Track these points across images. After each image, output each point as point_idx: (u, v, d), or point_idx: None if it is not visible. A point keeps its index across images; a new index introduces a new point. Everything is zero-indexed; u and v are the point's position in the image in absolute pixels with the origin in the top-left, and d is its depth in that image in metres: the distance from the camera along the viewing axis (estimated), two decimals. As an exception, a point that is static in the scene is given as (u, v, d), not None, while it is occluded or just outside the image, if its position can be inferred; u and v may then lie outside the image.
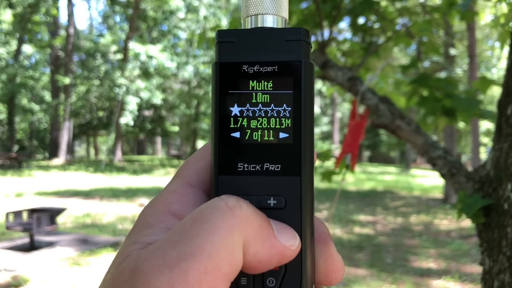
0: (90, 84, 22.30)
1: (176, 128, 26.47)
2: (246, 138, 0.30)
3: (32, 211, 5.18)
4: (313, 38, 2.39)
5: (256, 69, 0.30)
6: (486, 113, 1.66)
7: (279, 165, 0.29)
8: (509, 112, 1.24)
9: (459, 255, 5.48)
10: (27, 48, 24.79)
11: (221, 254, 0.24)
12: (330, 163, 3.11)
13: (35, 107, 25.30)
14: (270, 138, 0.30)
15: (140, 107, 21.32)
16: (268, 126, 0.30)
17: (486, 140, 22.69)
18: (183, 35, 23.13)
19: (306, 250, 0.29)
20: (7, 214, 4.99)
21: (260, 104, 0.30)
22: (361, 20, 2.56)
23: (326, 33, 2.25)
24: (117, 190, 11.24)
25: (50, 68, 24.87)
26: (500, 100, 1.29)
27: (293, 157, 0.29)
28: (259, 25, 0.31)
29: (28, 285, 3.97)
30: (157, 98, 20.36)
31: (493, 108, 1.60)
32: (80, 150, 40.03)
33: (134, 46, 19.16)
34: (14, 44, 23.05)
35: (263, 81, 0.30)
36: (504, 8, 2.27)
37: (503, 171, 1.24)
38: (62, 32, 23.94)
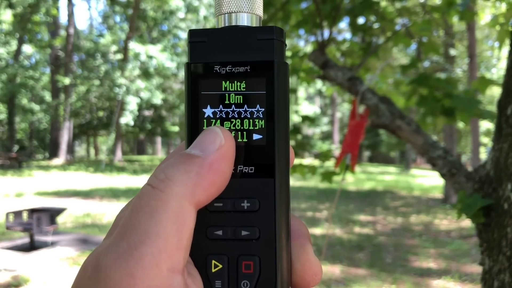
0: (90, 84, 22.29)
1: (176, 128, 26.46)
2: None
3: (32, 211, 5.18)
4: (313, 38, 2.39)
5: (228, 69, 0.30)
6: (486, 113, 1.66)
7: (253, 167, 0.29)
8: (509, 112, 1.24)
9: (459, 255, 5.47)
10: (27, 48, 24.79)
11: (168, 229, 0.25)
12: (330, 163, 3.11)
13: (35, 107, 25.30)
14: (243, 140, 0.29)
15: (140, 107, 21.32)
16: (242, 128, 0.30)
17: (486, 140, 22.68)
18: (183, 35, 23.13)
19: (281, 253, 0.28)
20: (7, 214, 4.99)
21: (233, 105, 0.30)
22: (360, 20, 2.56)
23: (326, 33, 2.25)
24: (117, 190, 11.24)
25: (50, 68, 24.87)
26: (500, 100, 1.29)
27: (267, 159, 0.29)
28: (233, 23, 0.31)
29: (28, 285, 3.97)
30: (157, 98, 20.36)
31: (493, 108, 1.60)
32: (80, 150, 40.03)
33: (134, 46, 19.15)
34: (14, 44, 23.04)
35: (235, 81, 0.30)
36: (503, 7, 2.27)
37: (503, 171, 1.24)
38: (62, 32, 23.94)
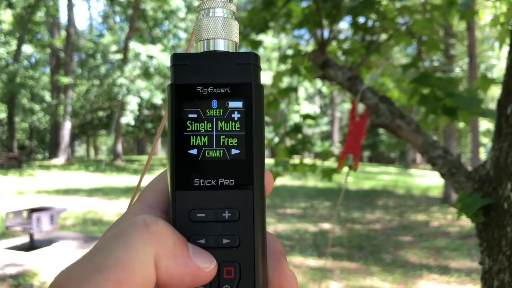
0: (90, 84, 22.28)
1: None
2: (202, 155, 0.32)
3: (32, 211, 5.18)
4: (313, 38, 2.39)
5: (210, 90, 0.32)
6: (487, 111, 1.66)
7: (233, 180, 0.31)
8: (509, 112, 1.24)
9: (459, 255, 5.48)
10: (27, 48, 24.78)
11: (134, 266, 0.25)
12: (330, 162, 3.11)
13: (35, 107, 25.30)
14: (224, 155, 0.32)
15: (140, 107, 21.32)
16: (222, 143, 0.32)
17: (486, 140, 22.69)
18: (183, 35, 23.13)
19: (259, 258, 0.31)
20: (7, 214, 4.99)
21: (214, 122, 0.32)
22: (361, 19, 2.56)
23: (326, 33, 2.25)
24: (118, 189, 11.25)
25: (50, 68, 24.86)
26: (500, 100, 1.29)
27: (246, 172, 0.31)
28: (211, 49, 0.34)
29: (28, 285, 3.97)
30: (157, 98, 20.36)
31: (492, 107, 1.60)
32: (80, 150, 40.03)
33: (135, 46, 19.16)
34: (14, 44, 23.04)
35: (216, 101, 0.32)
36: (503, 8, 2.27)
37: (503, 171, 1.24)
38: (62, 32, 23.93)
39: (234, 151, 0.32)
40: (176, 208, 0.31)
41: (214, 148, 0.32)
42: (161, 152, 37.17)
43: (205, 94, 0.32)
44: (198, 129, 0.32)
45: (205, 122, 0.32)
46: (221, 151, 0.32)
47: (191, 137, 0.32)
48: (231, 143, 0.32)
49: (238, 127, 0.32)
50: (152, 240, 0.27)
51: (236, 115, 0.32)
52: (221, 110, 0.32)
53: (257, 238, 0.31)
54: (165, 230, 0.28)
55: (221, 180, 0.31)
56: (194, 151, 0.32)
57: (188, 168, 0.31)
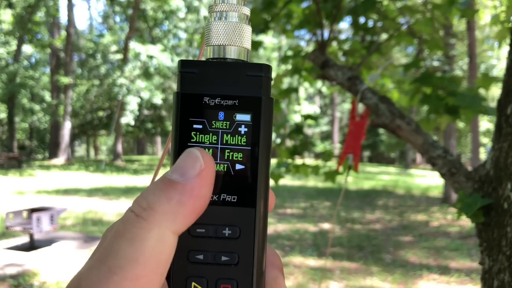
0: (90, 84, 22.27)
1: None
2: None
3: (32, 211, 5.18)
4: (314, 38, 2.39)
5: (217, 101, 0.31)
6: (490, 109, 1.66)
7: (236, 196, 0.31)
8: (509, 111, 1.24)
9: (459, 255, 5.48)
10: (27, 48, 24.78)
11: (146, 257, 0.26)
12: (332, 163, 3.11)
13: (35, 107, 25.29)
14: (228, 170, 0.31)
15: (140, 107, 21.32)
16: (227, 157, 0.31)
17: (486, 140, 22.69)
18: (183, 35, 23.13)
19: (258, 277, 0.30)
20: (7, 214, 4.99)
21: (219, 136, 0.31)
22: (362, 20, 2.56)
23: (326, 33, 2.25)
24: (118, 189, 11.25)
25: (50, 68, 24.86)
26: (500, 100, 1.29)
27: (249, 189, 0.31)
28: (221, 55, 0.32)
29: (28, 285, 3.97)
30: (157, 98, 20.36)
31: (493, 107, 1.60)
32: (80, 150, 40.03)
33: (135, 46, 19.15)
34: (14, 44, 23.03)
35: (223, 113, 0.31)
36: (503, 7, 2.27)
37: (503, 171, 1.24)
38: (62, 32, 23.93)
39: (238, 167, 0.31)
40: None
41: (218, 162, 0.31)
42: (161, 152, 37.13)
43: (212, 105, 0.31)
44: (203, 141, 0.31)
45: (210, 134, 0.31)
46: (225, 165, 0.31)
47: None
48: (236, 157, 0.31)
49: (244, 142, 0.31)
50: (150, 225, 0.26)
51: (243, 129, 0.31)
52: (228, 122, 0.31)
53: (257, 258, 0.30)
54: (152, 204, 0.27)
55: (223, 195, 0.31)
56: None
57: None
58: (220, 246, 0.30)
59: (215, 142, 0.31)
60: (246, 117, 0.31)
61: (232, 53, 0.32)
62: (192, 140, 0.31)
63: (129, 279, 0.25)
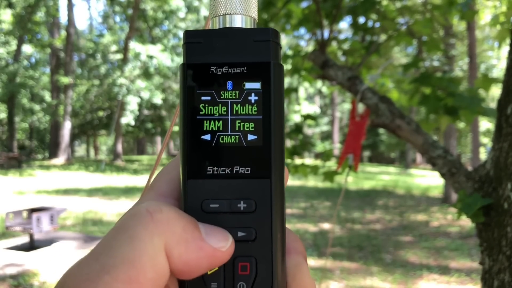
0: (90, 84, 22.27)
1: (176, 128, 26.45)
2: (216, 141, 0.29)
3: (32, 211, 5.18)
4: (314, 38, 2.39)
5: (225, 70, 0.30)
6: (489, 110, 1.66)
7: (249, 168, 0.29)
8: (509, 111, 1.24)
9: (459, 255, 5.48)
10: (27, 48, 24.78)
11: (143, 261, 0.23)
12: (331, 163, 3.11)
13: (35, 107, 25.29)
14: (239, 141, 0.29)
15: (140, 107, 21.33)
16: (238, 128, 0.29)
17: (486, 140, 22.69)
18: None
19: (277, 253, 0.29)
20: (7, 214, 4.99)
21: (229, 105, 0.30)
22: (361, 20, 2.56)
23: (326, 33, 2.25)
24: (118, 189, 11.25)
25: (50, 68, 24.86)
26: (500, 100, 1.29)
27: (263, 159, 0.29)
28: (227, 25, 0.31)
29: (28, 285, 3.97)
30: (157, 98, 20.36)
31: (493, 107, 1.60)
32: (80, 150, 40.03)
33: (135, 46, 19.16)
34: (14, 44, 23.04)
35: (232, 82, 0.30)
36: (503, 7, 2.27)
37: (503, 171, 1.24)
38: (62, 32, 23.94)
39: (250, 137, 0.29)
40: (188, 198, 0.29)
41: (229, 133, 0.29)
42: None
43: (219, 74, 0.29)
44: (212, 112, 0.30)
45: (220, 105, 0.30)
46: (237, 136, 0.29)
47: (204, 121, 0.30)
48: (247, 128, 0.29)
49: (255, 111, 0.29)
50: (159, 230, 0.25)
51: (253, 98, 0.29)
52: (237, 92, 0.29)
53: (275, 232, 0.29)
54: (171, 216, 0.26)
55: (236, 168, 0.29)
56: (207, 137, 0.29)
57: (201, 155, 0.29)
58: (235, 221, 0.29)
59: (225, 113, 0.30)
60: (256, 85, 0.29)
61: (238, 22, 0.31)
62: (201, 112, 0.30)
63: (120, 281, 0.23)
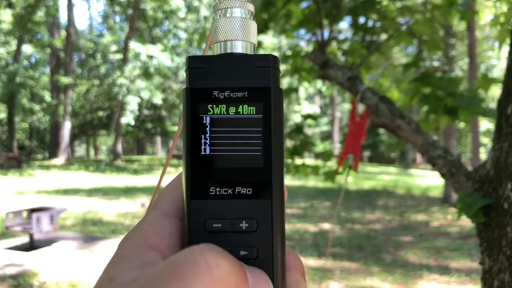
0: (90, 84, 22.27)
1: (176, 128, 26.46)
2: (218, 162, 0.30)
3: (32, 211, 5.18)
4: (313, 38, 2.39)
5: (227, 94, 0.31)
6: (489, 111, 1.66)
7: (251, 189, 0.30)
8: (509, 112, 1.24)
9: (459, 255, 5.48)
10: (27, 48, 24.78)
11: None
12: (332, 163, 3.11)
13: (35, 107, 25.29)
14: (241, 162, 0.30)
15: (140, 107, 21.33)
16: (239, 150, 0.31)
17: (486, 140, 22.69)
18: (183, 35, 23.13)
19: (278, 271, 0.30)
20: (7, 214, 4.99)
21: (231, 128, 0.31)
22: (361, 20, 2.56)
23: (326, 33, 2.25)
24: (117, 189, 11.25)
25: (50, 68, 24.86)
26: (500, 100, 1.29)
27: (264, 180, 0.30)
28: (228, 51, 0.32)
29: (28, 285, 3.97)
30: (157, 98, 20.37)
31: (493, 107, 1.60)
32: (80, 150, 40.04)
33: (135, 46, 19.16)
34: (14, 44, 23.03)
35: (234, 105, 0.31)
36: (504, 8, 2.27)
37: (503, 171, 1.23)
38: (62, 32, 23.94)
39: (252, 159, 0.30)
40: (192, 217, 0.30)
41: (231, 155, 0.31)
42: (161, 152, 37.14)
43: (221, 98, 0.31)
44: (214, 135, 0.31)
45: (222, 127, 0.31)
46: (239, 158, 0.30)
47: (207, 143, 0.30)
48: (249, 150, 0.30)
49: (256, 134, 0.30)
50: (215, 287, 0.24)
51: (254, 121, 0.31)
52: (238, 115, 0.31)
53: (276, 250, 0.30)
54: (228, 272, 0.25)
55: (238, 188, 0.30)
56: (210, 159, 0.30)
57: (203, 176, 0.30)
58: (237, 241, 0.30)
59: (227, 136, 0.31)
60: (257, 109, 0.31)
61: (238, 48, 0.32)
62: (203, 135, 0.31)
63: None
